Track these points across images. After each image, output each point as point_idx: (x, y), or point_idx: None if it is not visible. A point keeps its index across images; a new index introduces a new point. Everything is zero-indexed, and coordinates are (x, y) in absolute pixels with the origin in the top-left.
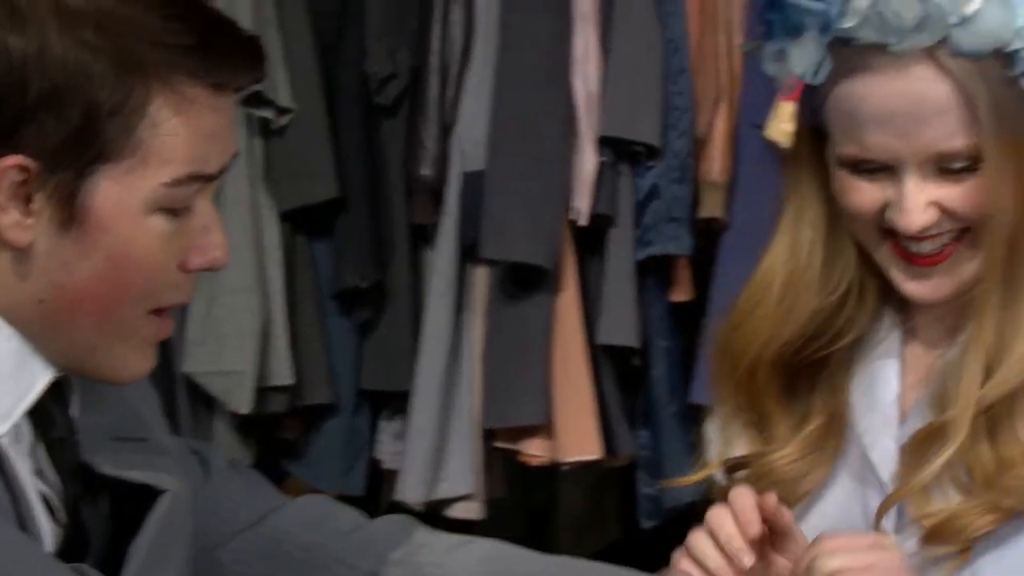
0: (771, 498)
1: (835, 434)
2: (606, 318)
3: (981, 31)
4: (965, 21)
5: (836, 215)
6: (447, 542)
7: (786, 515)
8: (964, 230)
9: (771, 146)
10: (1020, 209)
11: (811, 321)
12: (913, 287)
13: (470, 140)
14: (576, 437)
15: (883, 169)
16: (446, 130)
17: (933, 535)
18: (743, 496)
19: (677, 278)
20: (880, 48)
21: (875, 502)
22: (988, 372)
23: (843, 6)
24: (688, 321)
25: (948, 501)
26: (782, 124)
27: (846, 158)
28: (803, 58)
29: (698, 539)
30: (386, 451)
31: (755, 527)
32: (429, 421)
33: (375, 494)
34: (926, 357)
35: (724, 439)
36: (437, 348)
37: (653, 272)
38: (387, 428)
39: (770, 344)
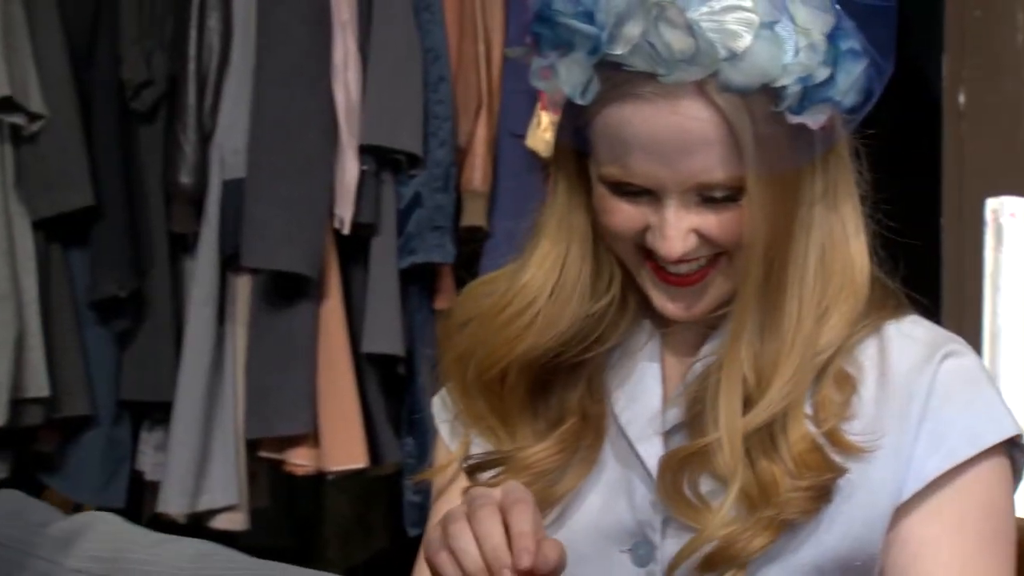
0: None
1: (592, 433)
2: (370, 326)
3: (750, 67)
4: (735, 57)
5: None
6: (154, 538)
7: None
8: (719, 254)
9: (531, 155)
10: (774, 237)
11: (572, 327)
12: (669, 306)
13: (230, 148)
14: (341, 446)
15: (645, 193)
16: (205, 137)
17: (710, 562)
18: (522, 516)
19: (441, 286)
20: (650, 77)
21: (641, 492)
22: (747, 398)
23: (614, 31)
24: None
25: (721, 522)
26: (541, 134)
27: (609, 179)
28: (571, 77)
29: (462, 533)
30: (148, 462)
31: (527, 560)
32: (191, 432)
33: (137, 506)
34: (681, 364)
35: (462, 443)
36: (199, 358)
37: (417, 280)
38: (148, 439)
39: (528, 352)
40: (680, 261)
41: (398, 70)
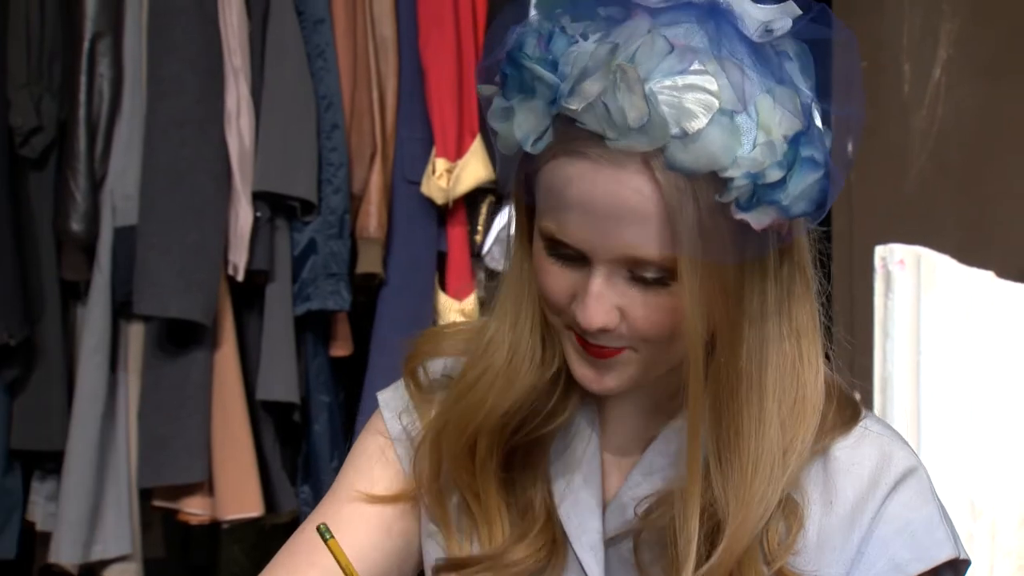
0: None
1: (559, 540)
2: (265, 374)
3: (699, 150)
4: (686, 136)
5: None
6: None
7: None
8: (638, 343)
9: (427, 202)
10: (715, 337)
11: (528, 397)
12: (584, 374)
13: (121, 194)
14: (236, 494)
15: (579, 259)
16: (96, 184)
17: None
18: None
19: (336, 333)
20: (600, 139)
21: None
22: (710, 521)
23: (574, 86)
24: (348, 376)
25: None
26: (437, 180)
27: (545, 233)
28: (526, 124)
29: None
30: (40, 512)
31: None
32: (83, 481)
33: (29, 557)
34: (618, 459)
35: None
36: (91, 406)
37: (312, 327)
38: (40, 489)
39: (493, 412)
40: (600, 333)
41: (291, 117)
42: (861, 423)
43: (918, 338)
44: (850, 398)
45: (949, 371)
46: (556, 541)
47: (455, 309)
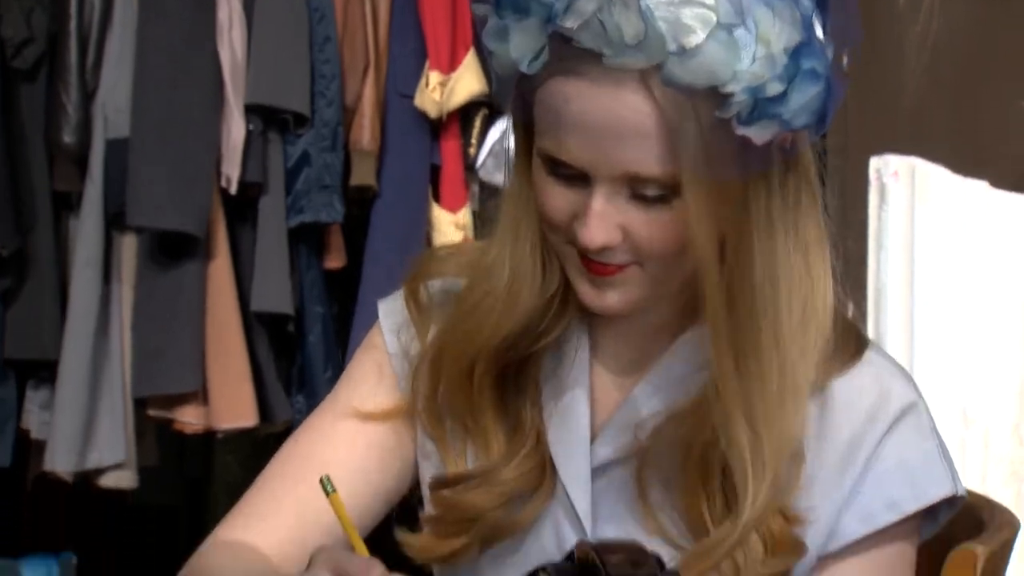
0: None
1: (548, 463)
2: (259, 285)
3: (697, 66)
4: (683, 52)
5: None
6: None
7: None
8: (645, 258)
9: (420, 115)
10: (720, 252)
11: (526, 317)
12: (587, 292)
13: (113, 107)
14: (231, 404)
15: (579, 178)
16: (88, 96)
17: None
18: None
19: (330, 245)
20: (596, 57)
21: (571, 540)
22: (707, 455)
23: (569, 3)
24: (342, 288)
25: None
26: (430, 94)
27: (544, 153)
28: (522, 44)
29: None
30: (34, 421)
31: None
32: (78, 390)
33: (23, 465)
34: (613, 383)
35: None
36: (84, 317)
37: (306, 239)
38: (34, 398)
39: (494, 335)
40: (603, 251)
41: (284, 29)
42: (863, 357)
43: (912, 249)
44: (854, 330)
45: (943, 281)
46: (545, 465)
47: (449, 221)
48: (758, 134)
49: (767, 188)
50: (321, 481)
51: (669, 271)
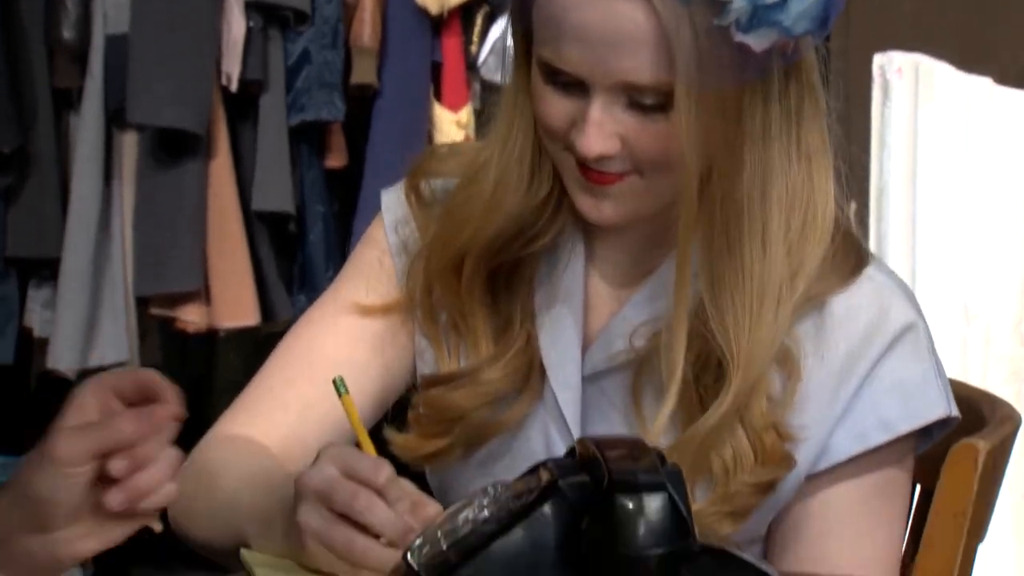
0: None
1: (535, 365)
2: (260, 184)
3: None
4: None
5: None
6: None
7: None
8: (644, 168)
9: (421, 12)
10: (714, 162)
11: (513, 222)
12: (586, 203)
13: (112, 2)
14: (232, 303)
15: (577, 86)
16: None
17: None
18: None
19: (331, 144)
20: None
21: (560, 446)
22: (702, 357)
23: None
24: (342, 187)
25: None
26: None
27: (542, 61)
28: None
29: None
30: (36, 319)
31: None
32: (80, 288)
33: (26, 363)
34: (609, 293)
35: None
36: (86, 214)
37: (306, 138)
38: (37, 296)
39: (479, 234)
40: (600, 160)
41: None
42: (864, 272)
43: (915, 146)
44: (856, 244)
45: (946, 178)
46: (533, 368)
47: (450, 120)
48: (757, 41)
49: (765, 97)
50: (334, 382)
51: (666, 181)
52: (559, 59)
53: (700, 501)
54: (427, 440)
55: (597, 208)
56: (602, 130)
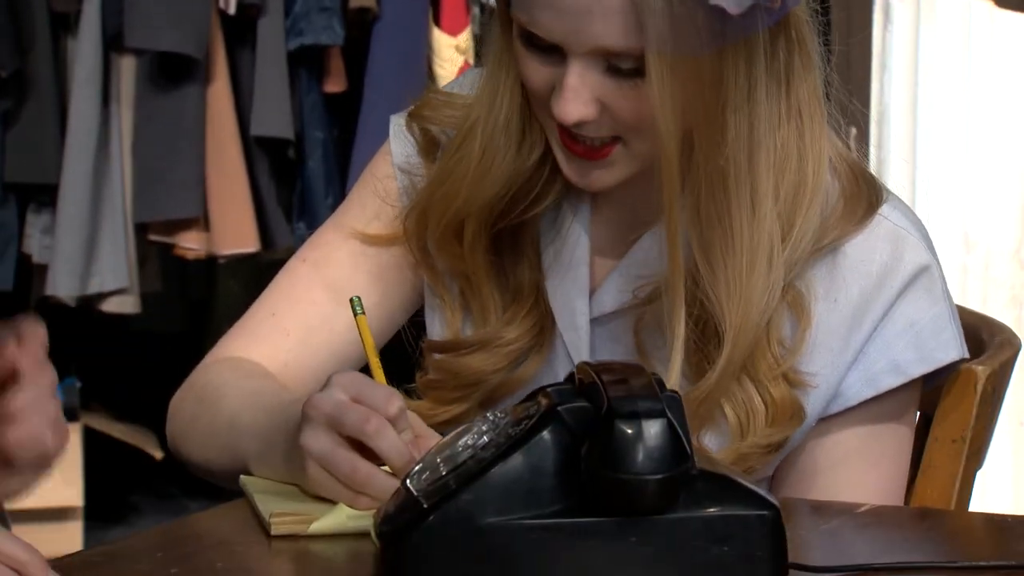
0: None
1: (549, 315)
2: (259, 110)
3: None
4: None
5: None
6: None
7: None
8: (626, 132)
9: None
10: (692, 124)
11: (506, 186)
12: (573, 175)
13: None
14: (232, 230)
15: (555, 50)
16: None
17: None
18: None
19: (330, 69)
20: None
21: None
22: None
23: None
24: (342, 112)
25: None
26: None
27: (519, 25)
28: None
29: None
30: (35, 245)
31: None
32: (79, 214)
33: (25, 289)
34: (612, 245)
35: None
36: (84, 139)
37: (305, 63)
38: (35, 222)
39: (471, 201)
40: (580, 125)
41: None
42: (879, 212)
43: (916, 70)
44: (871, 185)
45: (947, 103)
46: (546, 323)
47: (449, 44)
48: (733, 4)
49: (748, 59)
50: (351, 301)
51: (650, 146)
52: (534, 24)
53: None
54: (444, 406)
55: (584, 175)
56: (579, 96)
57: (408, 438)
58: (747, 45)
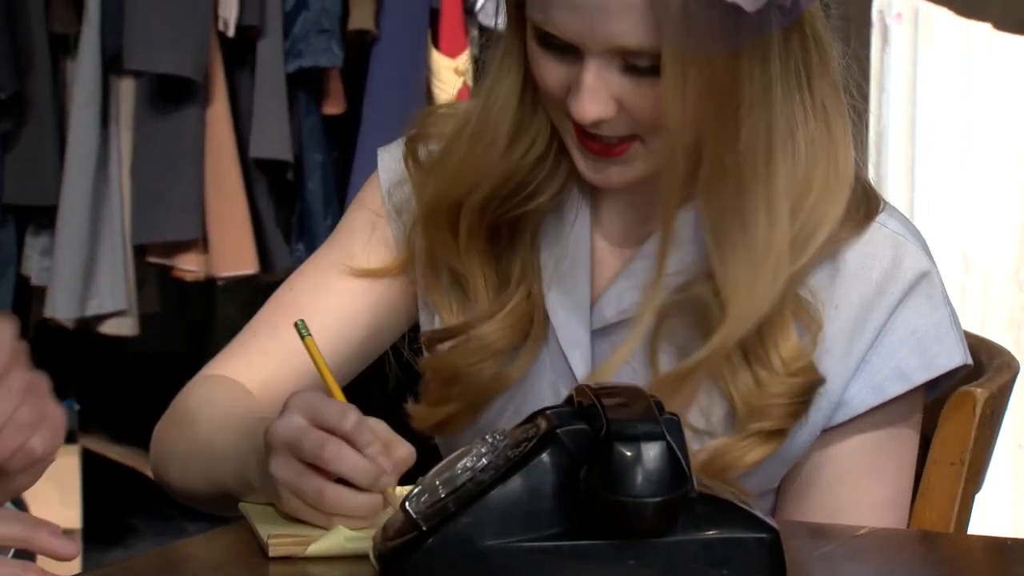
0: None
1: (540, 313)
2: (258, 132)
3: None
4: None
5: (534, 81)
6: None
7: None
8: (644, 131)
9: None
10: (707, 123)
11: (504, 180)
12: (589, 172)
13: None
14: (231, 251)
15: (571, 50)
16: None
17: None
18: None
19: (329, 91)
20: None
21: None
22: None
23: None
24: (341, 134)
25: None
26: None
27: (535, 25)
28: None
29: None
30: (34, 267)
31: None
32: (78, 236)
33: (24, 311)
34: (614, 250)
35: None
36: (83, 161)
37: (304, 84)
38: (34, 243)
39: (469, 192)
40: (598, 124)
41: None
42: (876, 219)
43: (914, 92)
44: (869, 191)
45: (945, 125)
46: (536, 323)
47: (448, 66)
48: (749, 2)
49: (764, 57)
50: (296, 325)
51: (660, 142)
52: (550, 24)
53: (726, 433)
54: (434, 407)
55: (601, 173)
56: (596, 95)
57: (375, 450)
58: (762, 45)
